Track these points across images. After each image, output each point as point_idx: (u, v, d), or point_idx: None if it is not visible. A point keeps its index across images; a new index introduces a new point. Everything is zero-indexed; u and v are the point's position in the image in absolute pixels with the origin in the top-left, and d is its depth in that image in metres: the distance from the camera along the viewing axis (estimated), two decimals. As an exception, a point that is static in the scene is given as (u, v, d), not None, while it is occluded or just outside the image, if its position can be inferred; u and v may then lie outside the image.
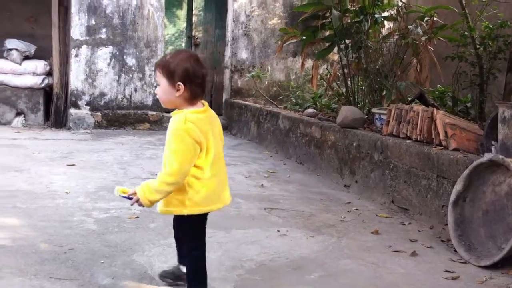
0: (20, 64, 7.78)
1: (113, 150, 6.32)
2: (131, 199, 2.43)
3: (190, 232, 2.53)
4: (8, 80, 7.76)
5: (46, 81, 7.90)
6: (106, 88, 7.82)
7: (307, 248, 3.35)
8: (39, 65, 7.86)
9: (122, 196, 2.47)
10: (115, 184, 4.61)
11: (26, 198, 4.11)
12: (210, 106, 2.56)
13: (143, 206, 2.41)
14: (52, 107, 7.82)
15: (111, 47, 7.82)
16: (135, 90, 7.98)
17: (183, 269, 2.64)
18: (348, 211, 4.24)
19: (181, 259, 2.69)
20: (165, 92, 2.42)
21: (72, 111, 7.66)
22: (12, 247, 3.09)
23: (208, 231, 3.50)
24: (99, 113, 7.78)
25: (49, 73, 7.97)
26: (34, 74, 7.84)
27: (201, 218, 2.52)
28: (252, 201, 4.36)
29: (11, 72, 7.77)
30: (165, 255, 3.07)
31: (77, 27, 7.64)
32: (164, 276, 2.76)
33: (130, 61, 7.93)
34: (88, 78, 7.72)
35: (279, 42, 6.87)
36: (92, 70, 7.74)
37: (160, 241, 3.31)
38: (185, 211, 2.42)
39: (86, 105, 7.73)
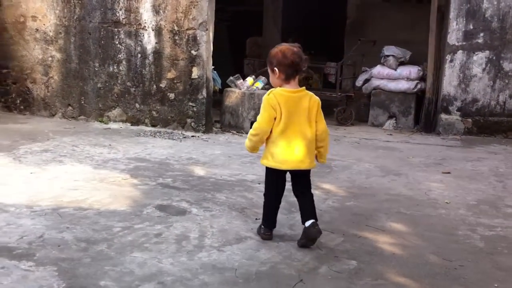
0: (395, 69, 8.20)
1: (487, 159, 6.09)
2: None
3: (266, 180, 3.38)
4: (384, 84, 8.27)
5: (419, 86, 8.12)
6: (479, 94, 7.58)
7: None
8: (413, 71, 8.13)
9: None
10: (495, 199, 4.48)
11: (408, 204, 4.30)
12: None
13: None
14: (423, 111, 7.99)
15: (487, 51, 7.53)
16: (510, 96, 7.52)
17: (307, 223, 3.22)
18: None
19: (302, 218, 3.29)
20: (271, 76, 3.29)
21: (443, 116, 7.67)
22: (402, 255, 3.24)
23: None
24: (469, 119, 7.60)
25: (421, 78, 8.17)
26: (408, 79, 8.16)
27: (275, 172, 3.27)
28: None
29: (387, 77, 8.25)
30: None
31: (454, 32, 7.59)
32: (302, 244, 3.27)
33: (507, 66, 7.49)
34: (461, 84, 7.61)
35: None
36: (465, 75, 7.60)
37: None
38: (263, 162, 3.31)
39: (457, 110, 7.64)
